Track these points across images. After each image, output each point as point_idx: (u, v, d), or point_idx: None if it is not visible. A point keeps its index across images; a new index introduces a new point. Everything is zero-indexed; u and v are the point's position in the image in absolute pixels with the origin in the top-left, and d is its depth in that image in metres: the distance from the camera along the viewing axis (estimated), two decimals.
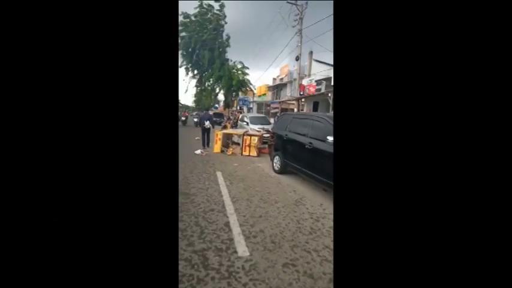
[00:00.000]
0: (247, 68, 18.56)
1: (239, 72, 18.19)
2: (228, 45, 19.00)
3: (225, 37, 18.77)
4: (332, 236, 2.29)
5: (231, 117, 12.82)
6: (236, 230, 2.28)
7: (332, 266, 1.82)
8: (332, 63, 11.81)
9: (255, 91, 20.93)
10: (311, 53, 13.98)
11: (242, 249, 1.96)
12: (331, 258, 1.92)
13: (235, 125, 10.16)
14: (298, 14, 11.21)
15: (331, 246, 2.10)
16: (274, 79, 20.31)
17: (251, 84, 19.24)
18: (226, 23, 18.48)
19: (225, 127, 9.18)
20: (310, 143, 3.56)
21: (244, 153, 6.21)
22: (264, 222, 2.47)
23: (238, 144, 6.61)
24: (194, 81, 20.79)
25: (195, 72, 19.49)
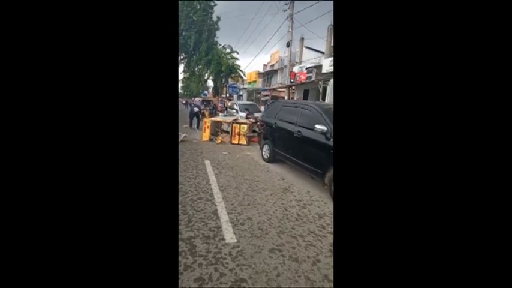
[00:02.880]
0: (237, 53, 17.95)
1: (228, 57, 17.63)
2: (218, 28, 18.22)
3: (215, 19, 17.93)
4: (318, 222, 2.38)
5: (213, 105, 12.60)
6: (224, 217, 2.31)
7: (316, 250, 1.90)
8: (323, 50, 11.65)
9: (245, 78, 20.52)
10: (302, 39, 13.72)
11: (230, 236, 2.00)
12: (315, 243, 2.00)
13: (214, 113, 10.00)
14: None
15: (316, 232, 2.18)
16: (264, 65, 19.92)
17: (241, 70, 18.80)
18: (215, 4, 17.60)
19: (203, 115, 8.85)
20: (299, 131, 3.58)
21: (233, 141, 6.18)
22: (252, 210, 2.51)
23: (228, 132, 6.55)
24: (182, 66, 20.00)
25: (182, 56, 18.69)
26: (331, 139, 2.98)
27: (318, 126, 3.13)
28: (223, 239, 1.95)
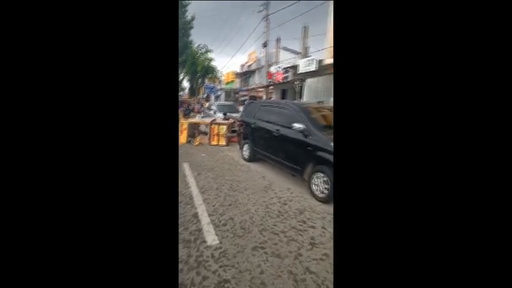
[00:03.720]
0: (211, 51, 17.54)
1: (203, 57, 17.26)
2: (192, 27, 17.75)
3: (189, 17, 17.42)
4: (299, 217, 2.44)
5: (189, 107, 12.33)
6: (205, 220, 2.26)
7: (297, 245, 1.95)
8: (300, 51, 12.00)
9: (222, 78, 20.30)
10: (278, 40, 13.98)
11: (211, 238, 1.96)
12: (296, 237, 2.05)
13: (187, 114, 9.81)
14: None
15: (297, 227, 2.23)
16: (242, 66, 19.92)
17: (218, 70, 18.55)
18: (189, 3, 17.13)
19: None
20: (278, 130, 3.64)
21: (212, 142, 6.08)
22: (234, 210, 2.50)
23: (206, 133, 6.43)
24: None
25: None
26: (309, 136, 3.08)
27: (295, 125, 3.21)
28: (204, 241, 1.91)
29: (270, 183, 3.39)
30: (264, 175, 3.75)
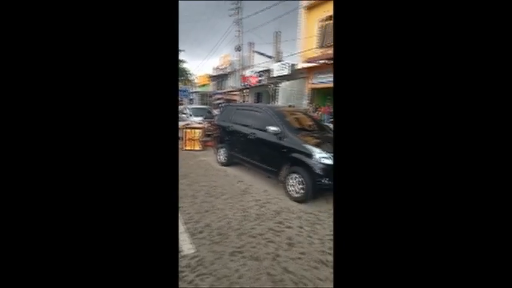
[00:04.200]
0: (183, 51, 16.96)
1: None
2: None
3: None
4: (276, 219, 2.48)
5: None
6: (180, 228, 2.18)
7: (275, 246, 1.98)
8: (272, 55, 12.31)
9: (195, 81, 19.86)
10: (252, 44, 14.17)
11: (187, 247, 1.90)
12: (274, 238, 2.09)
13: None
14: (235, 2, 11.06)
15: (275, 228, 2.27)
16: (215, 68, 19.71)
17: (190, 73, 18.11)
18: None
19: None
20: (253, 133, 3.67)
21: (186, 147, 5.89)
22: (211, 216, 2.45)
23: (180, 138, 6.21)
24: None
25: None
26: (283, 139, 3.17)
27: (270, 128, 3.28)
28: (180, 251, 1.84)
29: (247, 187, 3.40)
30: (241, 179, 3.74)
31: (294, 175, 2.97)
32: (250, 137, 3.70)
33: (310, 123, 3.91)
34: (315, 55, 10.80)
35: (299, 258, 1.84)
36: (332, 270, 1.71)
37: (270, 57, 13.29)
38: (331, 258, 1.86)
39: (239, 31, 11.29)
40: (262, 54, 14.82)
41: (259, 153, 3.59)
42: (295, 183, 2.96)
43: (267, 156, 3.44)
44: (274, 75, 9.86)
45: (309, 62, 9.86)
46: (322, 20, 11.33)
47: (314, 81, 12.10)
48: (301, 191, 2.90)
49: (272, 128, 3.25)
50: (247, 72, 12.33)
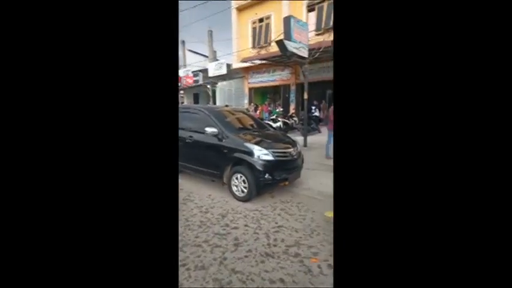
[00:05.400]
0: None
1: None
2: None
3: None
4: (221, 222, 2.43)
5: None
6: None
7: (222, 249, 1.94)
8: (207, 54, 11.99)
9: None
10: (183, 42, 13.44)
11: None
12: (220, 242, 2.05)
13: None
14: None
15: (221, 232, 2.23)
16: None
17: None
18: None
19: None
20: (191, 136, 3.49)
21: None
22: None
23: None
24: None
25: None
26: (223, 140, 3.13)
27: (208, 129, 3.18)
28: None
29: (188, 194, 3.21)
30: (181, 187, 3.51)
31: (238, 175, 2.99)
32: (188, 141, 3.50)
33: (250, 122, 4.00)
34: (250, 55, 11.17)
35: (246, 256, 1.86)
36: (278, 261, 1.82)
37: (204, 56, 12.95)
38: (276, 249, 1.96)
39: None
40: (196, 53, 14.30)
41: (200, 157, 3.44)
42: (239, 183, 2.99)
43: (208, 159, 3.33)
44: (211, 75, 9.67)
45: (244, 61, 10.11)
46: (254, 22, 11.81)
47: (251, 80, 12.54)
48: (245, 189, 2.94)
49: (210, 130, 3.17)
50: (181, 72, 11.64)
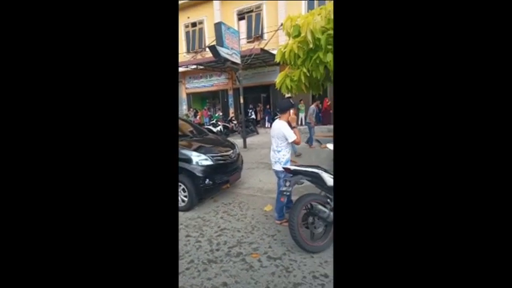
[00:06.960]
0: None
1: None
2: None
3: None
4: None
5: None
6: None
7: (190, 258, 1.79)
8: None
9: None
10: None
11: None
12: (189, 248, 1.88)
13: None
14: None
15: (192, 234, 2.06)
16: None
17: None
18: None
19: None
20: None
21: None
22: None
23: None
24: None
25: None
26: None
27: None
28: None
29: None
30: None
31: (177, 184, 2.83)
32: None
33: (189, 129, 3.86)
34: (185, 59, 10.77)
35: (187, 269, 1.78)
36: (221, 265, 1.81)
37: None
38: (219, 253, 1.96)
39: None
40: None
41: None
42: (179, 192, 2.83)
43: None
44: None
45: (179, 66, 9.68)
46: (187, 26, 11.46)
47: (189, 85, 12.09)
48: (185, 198, 2.81)
49: None
50: None
